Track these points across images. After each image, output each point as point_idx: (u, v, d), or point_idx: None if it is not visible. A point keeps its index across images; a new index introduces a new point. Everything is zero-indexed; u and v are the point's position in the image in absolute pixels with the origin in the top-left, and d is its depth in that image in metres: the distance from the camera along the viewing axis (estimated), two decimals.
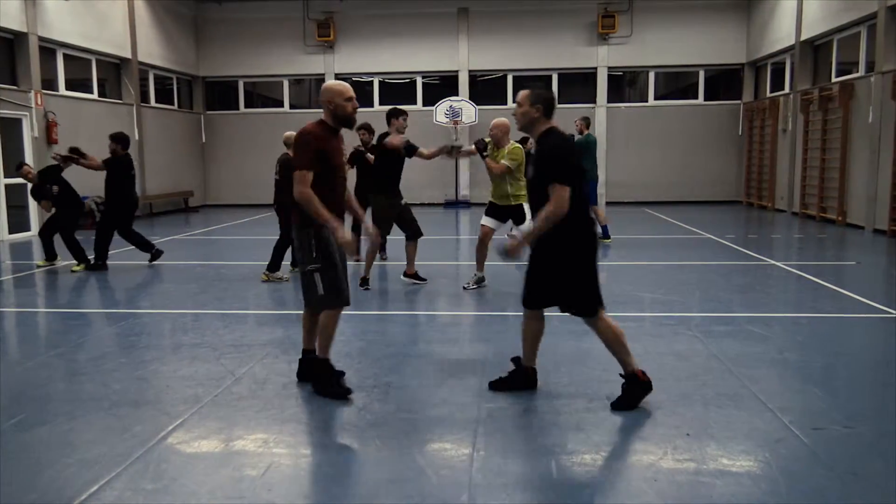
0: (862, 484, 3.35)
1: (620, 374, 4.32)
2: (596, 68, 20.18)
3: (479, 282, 8.15)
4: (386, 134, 8.21)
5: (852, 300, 7.34)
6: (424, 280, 8.44)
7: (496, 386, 4.61)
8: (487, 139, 7.85)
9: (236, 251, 11.65)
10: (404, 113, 8.32)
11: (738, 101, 20.29)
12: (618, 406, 4.24)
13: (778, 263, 9.65)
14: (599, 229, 11.48)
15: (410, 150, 7.93)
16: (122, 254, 11.05)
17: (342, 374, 4.64)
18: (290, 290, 8.32)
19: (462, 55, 20.39)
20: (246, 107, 21.70)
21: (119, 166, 9.40)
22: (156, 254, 10.03)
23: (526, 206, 7.59)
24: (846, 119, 14.31)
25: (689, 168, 20.13)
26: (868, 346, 6.02)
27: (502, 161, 7.59)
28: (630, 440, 3.88)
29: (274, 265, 8.82)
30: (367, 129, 10.11)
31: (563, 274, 4.20)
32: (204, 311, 7.21)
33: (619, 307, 7.22)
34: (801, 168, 16.51)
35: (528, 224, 7.51)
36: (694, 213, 16.90)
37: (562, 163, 4.11)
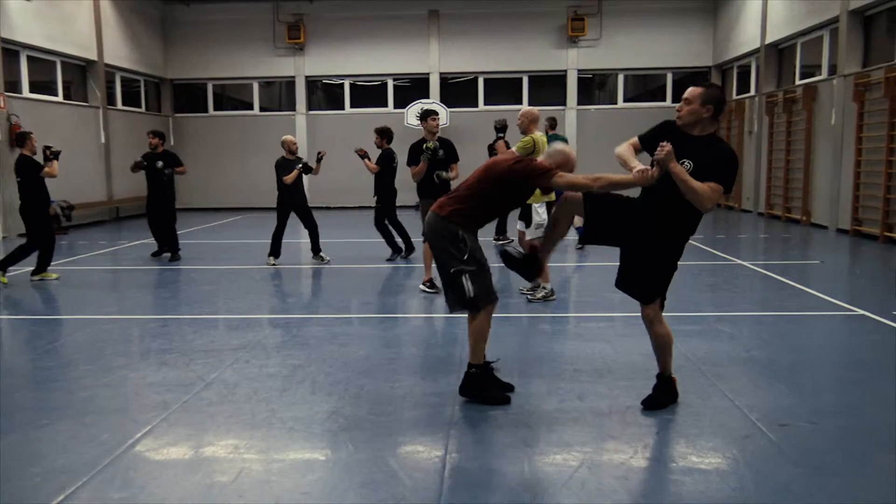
0: (826, 478, 3.42)
1: (657, 375, 4.39)
2: (566, 71, 20.34)
3: (535, 289, 7.65)
4: (421, 140, 8.22)
5: (816, 298, 7.49)
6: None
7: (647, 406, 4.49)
8: (507, 122, 7.84)
9: (205, 255, 11.52)
10: (432, 113, 8.25)
11: None
12: (650, 405, 4.30)
13: (745, 263, 9.81)
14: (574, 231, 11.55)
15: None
16: (87, 259, 10.89)
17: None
18: (263, 294, 8.26)
19: (433, 57, 20.42)
20: (215, 109, 21.49)
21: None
22: (171, 254, 10.68)
23: (535, 207, 7.45)
24: (809, 121, 14.59)
25: None
26: (831, 344, 6.15)
27: (513, 149, 7.35)
28: (601, 439, 3.91)
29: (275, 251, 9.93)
30: (377, 132, 10.04)
31: (658, 265, 4.19)
32: (173, 316, 7.12)
33: (589, 307, 7.28)
34: (766, 169, 16.81)
35: (532, 229, 7.50)
36: None
37: (731, 170, 3.99)
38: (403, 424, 4.16)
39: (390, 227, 10.26)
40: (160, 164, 10.47)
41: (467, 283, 4.21)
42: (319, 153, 10.25)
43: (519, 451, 3.76)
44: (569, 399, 4.50)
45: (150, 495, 3.32)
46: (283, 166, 9.82)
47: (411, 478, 3.47)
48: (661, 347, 4.32)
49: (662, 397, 4.36)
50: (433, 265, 8.02)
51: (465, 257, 4.23)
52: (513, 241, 11.19)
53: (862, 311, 6.81)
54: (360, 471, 3.56)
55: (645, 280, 4.25)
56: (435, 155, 7.99)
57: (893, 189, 11.76)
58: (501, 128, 7.92)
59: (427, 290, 7.96)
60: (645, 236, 4.17)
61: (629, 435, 3.97)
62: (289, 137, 10.18)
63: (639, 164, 4.02)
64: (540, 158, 4.44)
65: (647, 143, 4.22)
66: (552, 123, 11.62)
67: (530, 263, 4.53)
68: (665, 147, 3.93)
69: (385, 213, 10.21)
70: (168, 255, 10.63)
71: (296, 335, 6.33)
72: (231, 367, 5.24)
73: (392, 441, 3.92)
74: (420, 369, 5.25)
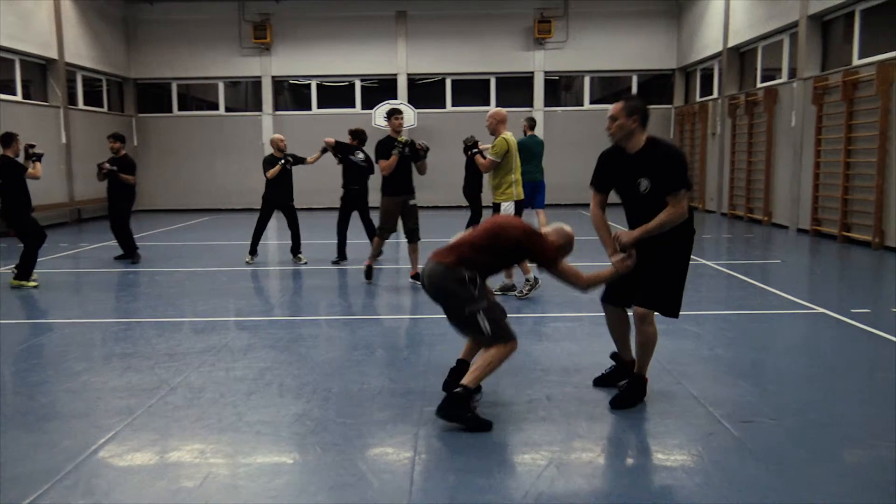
0: (788, 472, 3.49)
1: (632, 372, 4.44)
2: (533, 73, 20.47)
3: (506, 290, 7.76)
4: (388, 138, 8.41)
5: (778, 297, 7.64)
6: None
7: (598, 382, 4.73)
8: (479, 141, 8.20)
9: (170, 257, 11.36)
10: (396, 112, 8.44)
11: (670, 106, 20.88)
12: (619, 405, 4.33)
13: (709, 263, 9.96)
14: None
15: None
16: (48, 262, 10.65)
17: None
18: (229, 296, 8.16)
19: (400, 58, 20.39)
20: (180, 110, 21.18)
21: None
22: (130, 257, 10.61)
23: (503, 207, 7.62)
24: (770, 123, 14.89)
25: None
26: (793, 342, 6.28)
27: (489, 156, 7.62)
28: (569, 438, 3.95)
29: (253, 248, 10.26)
30: (350, 133, 10.18)
31: (668, 272, 4.18)
32: (137, 320, 7.01)
33: (557, 308, 7.34)
34: (729, 170, 17.10)
35: None
36: None
37: (682, 168, 4.07)
38: (372, 426, 4.15)
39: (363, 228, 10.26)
40: (115, 167, 10.34)
41: (483, 323, 4.09)
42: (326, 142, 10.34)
43: (488, 451, 3.78)
44: (537, 399, 4.52)
45: (114, 502, 3.26)
46: (268, 162, 10.07)
47: (380, 479, 3.46)
48: (646, 345, 4.32)
49: (633, 396, 4.39)
50: (378, 257, 8.64)
51: (476, 294, 4.13)
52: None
53: (822, 310, 6.96)
54: (329, 474, 3.54)
55: (670, 295, 4.21)
56: (405, 150, 8.25)
57: (851, 190, 12.05)
58: (472, 144, 8.02)
59: (365, 279, 8.59)
60: (654, 259, 4.15)
61: (597, 433, 4.01)
62: (276, 136, 10.47)
63: (615, 254, 4.24)
64: (550, 232, 4.41)
65: (599, 184, 4.41)
66: (531, 124, 11.75)
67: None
68: (622, 261, 4.19)
69: (346, 211, 10.11)
70: (129, 259, 10.55)
71: (263, 337, 6.27)
72: (197, 371, 5.18)
73: (361, 443, 3.91)
74: (388, 371, 5.24)
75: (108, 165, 10.26)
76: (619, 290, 4.41)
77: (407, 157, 8.29)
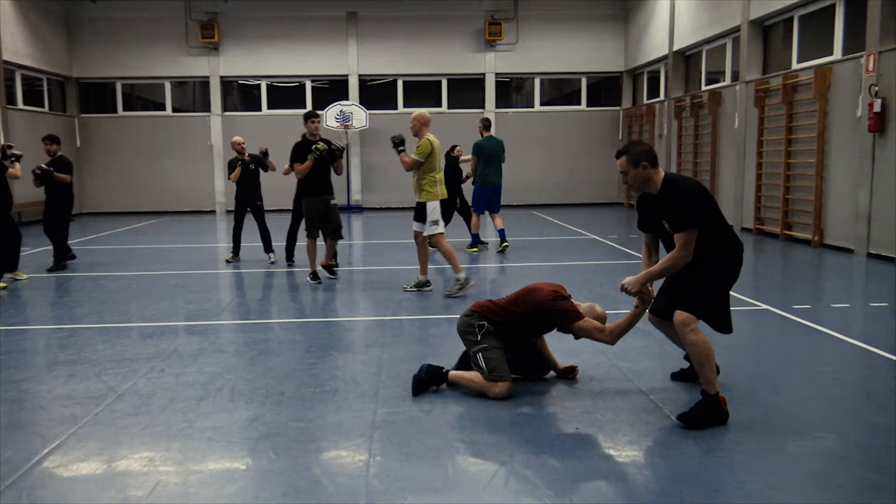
0: (736, 466, 3.59)
1: (701, 393, 4.14)
2: (484, 74, 20.59)
3: (420, 285, 8.14)
4: (305, 141, 8.68)
5: None
6: (334, 276, 8.75)
7: (675, 376, 4.93)
8: (403, 135, 8.19)
9: (116, 261, 11.07)
10: (313, 115, 8.73)
11: (618, 108, 21.24)
12: (687, 421, 4.04)
13: None
14: (496, 235, 11.67)
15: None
16: None
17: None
18: (178, 300, 8.00)
19: (351, 59, 20.28)
20: (125, 110, 20.66)
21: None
22: (61, 261, 10.25)
23: (429, 206, 7.82)
24: (715, 125, 15.28)
25: (574, 171, 20.88)
26: (738, 338, 6.41)
27: (413, 155, 7.77)
28: (522, 437, 3.98)
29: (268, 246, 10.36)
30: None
31: (708, 281, 4.18)
32: (81, 326, 6.82)
33: None
34: (675, 171, 17.48)
35: (428, 225, 7.84)
36: (578, 215, 17.53)
37: (687, 207, 4.05)
38: (326, 430, 4.12)
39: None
40: (50, 168, 10.14)
41: (481, 362, 4.59)
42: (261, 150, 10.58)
43: (442, 452, 3.79)
44: (487, 399, 4.55)
45: None
46: (230, 166, 10.35)
47: (335, 483, 3.44)
48: (697, 356, 4.07)
49: (702, 415, 4.06)
50: (317, 261, 8.76)
51: (479, 339, 4.66)
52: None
53: (765, 306, 7.18)
54: (283, 478, 3.50)
55: (710, 303, 4.19)
56: (322, 155, 8.44)
57: (792, 190, 12.44)
58: (400, 142, 8.07)
59: (311, 280, 8.69)
60: (694, 271, 4.20)
61: (549, 432, 4.06)
62: (235, 138, 10.66)
63: (634, 299, 4.46)
64: (583, 306, 4.74)
65: (645, 226, 4.51)
66: (486, 125, 11.78)
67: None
68: (637, 298, 4.39)
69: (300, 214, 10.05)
70: (56, 265, 10.19)
71: (213, 342, 6.17)
72: (145, 377, 5.06)
73: (315, 447, 3.88)
74: (341, 373, 5.20)
75: (43, 165, 10.01)
76: (662, 302, 4.49)
77: (324, 158, 8.39)
